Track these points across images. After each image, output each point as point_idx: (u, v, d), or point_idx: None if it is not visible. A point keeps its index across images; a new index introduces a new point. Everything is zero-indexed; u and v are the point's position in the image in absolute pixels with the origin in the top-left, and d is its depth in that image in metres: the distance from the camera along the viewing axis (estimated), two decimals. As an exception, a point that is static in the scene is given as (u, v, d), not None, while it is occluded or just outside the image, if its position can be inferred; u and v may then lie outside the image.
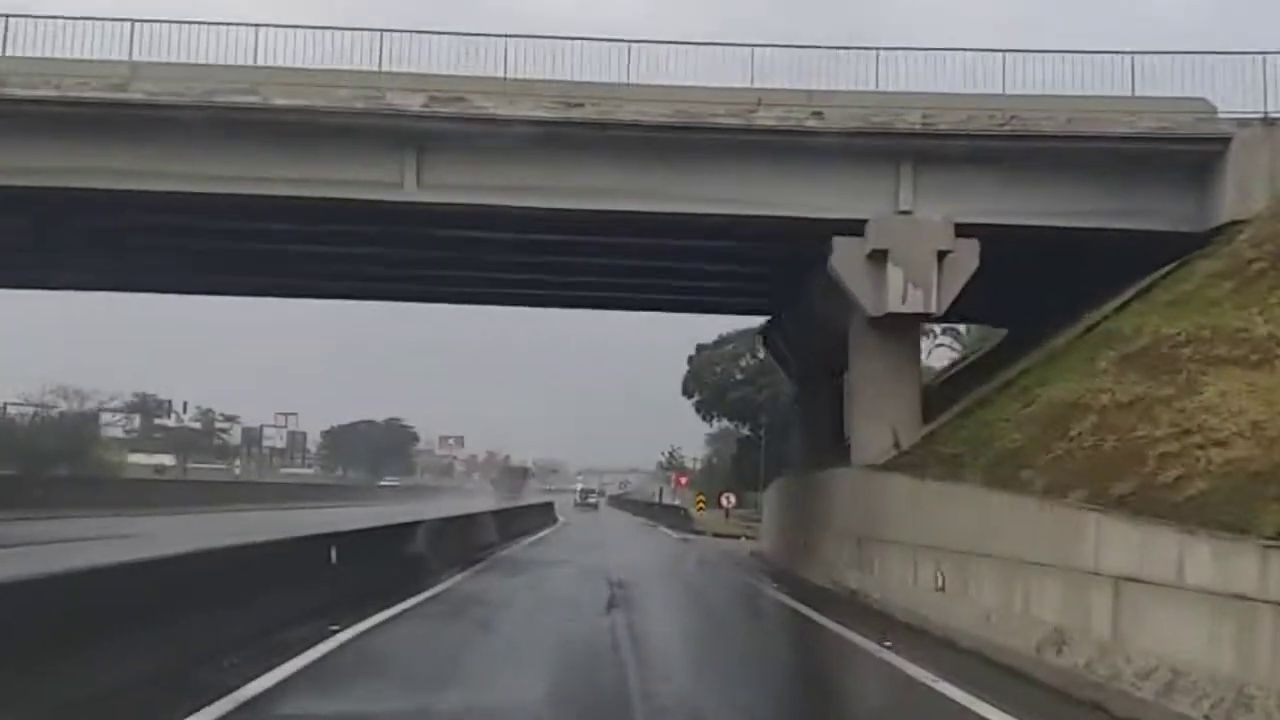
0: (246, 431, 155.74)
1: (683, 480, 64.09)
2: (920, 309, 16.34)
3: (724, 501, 40.08)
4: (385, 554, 14.53)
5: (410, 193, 16.34)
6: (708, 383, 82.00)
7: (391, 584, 13.46)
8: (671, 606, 15.85)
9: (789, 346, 25.90)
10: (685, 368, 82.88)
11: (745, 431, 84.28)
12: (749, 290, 24.27)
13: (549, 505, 43.21)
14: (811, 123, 16.05)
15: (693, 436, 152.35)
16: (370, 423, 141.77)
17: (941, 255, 16.15)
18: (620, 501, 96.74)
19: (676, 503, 59.20)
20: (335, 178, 16.18)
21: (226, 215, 17.84)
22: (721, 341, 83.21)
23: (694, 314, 28.36)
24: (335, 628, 10.01)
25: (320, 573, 11.47)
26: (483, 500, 62.72)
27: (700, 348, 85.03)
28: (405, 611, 12.10)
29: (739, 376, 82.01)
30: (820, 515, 18.45)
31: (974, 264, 16.11)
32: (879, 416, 16.89)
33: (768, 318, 27.39)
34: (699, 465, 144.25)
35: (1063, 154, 16.11)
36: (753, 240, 19.12)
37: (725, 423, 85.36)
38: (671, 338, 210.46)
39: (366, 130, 16.02)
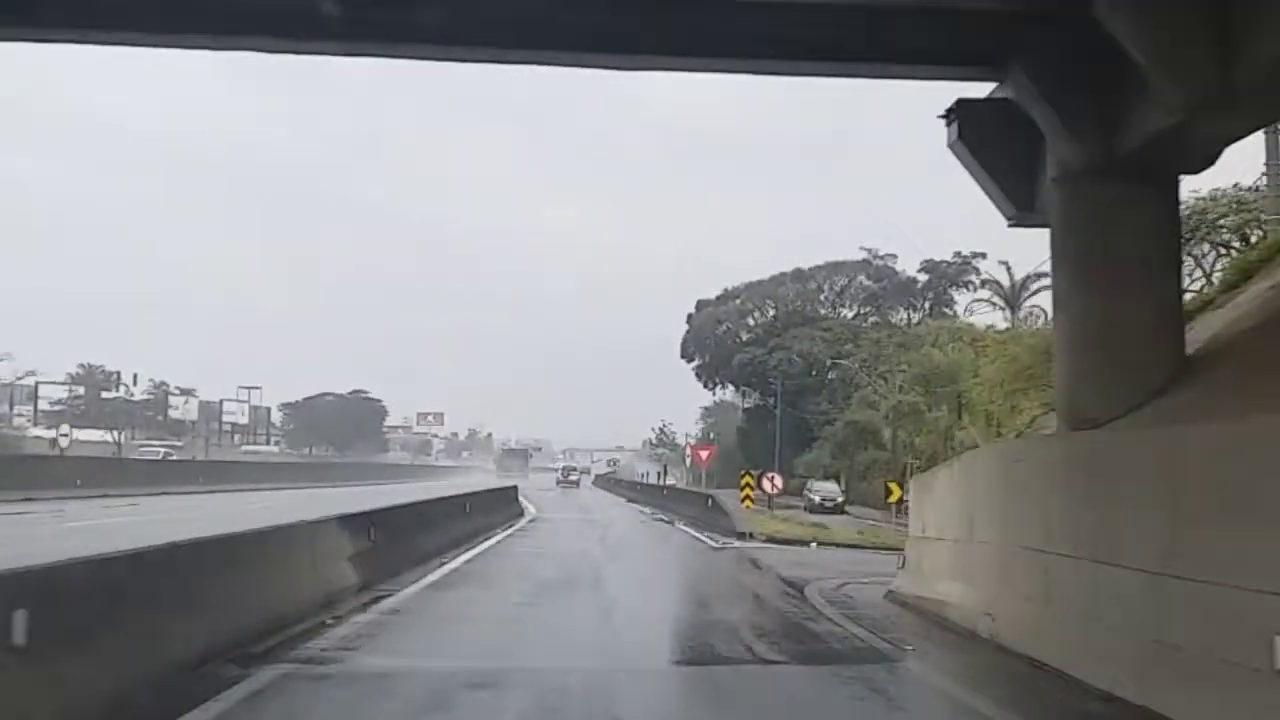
0: (204, 406, 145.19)
1: (704, 454, 52.33)
2: None
3: (768, 485, 27.85)
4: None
5: None
6: (710, 344, 72.11)
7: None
8: None
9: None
10: (685, 328, 72.99)
11: (751, 402, 74.09)
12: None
13: (509, 492, 30.60)
14: None
15: (685, 412, 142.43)
16: (332, 396, 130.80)
17: None
18: (609, 482, 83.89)
19: (698, 489, 43.79)
20: None
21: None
22: (726, 296, 73.02)
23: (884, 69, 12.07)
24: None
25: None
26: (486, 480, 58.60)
27: (701, 304, 74.89)
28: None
29: (745, 337, 72.05)
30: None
31: None
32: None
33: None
34: (691, 442, 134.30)
35: None
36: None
37: (729, 391, 75.44)
38: (666, 300, 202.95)
39: None
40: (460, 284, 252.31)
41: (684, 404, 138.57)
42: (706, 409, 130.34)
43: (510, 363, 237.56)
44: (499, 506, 24.75)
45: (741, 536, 20.92)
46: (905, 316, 66.61)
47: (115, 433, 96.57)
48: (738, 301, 69.41)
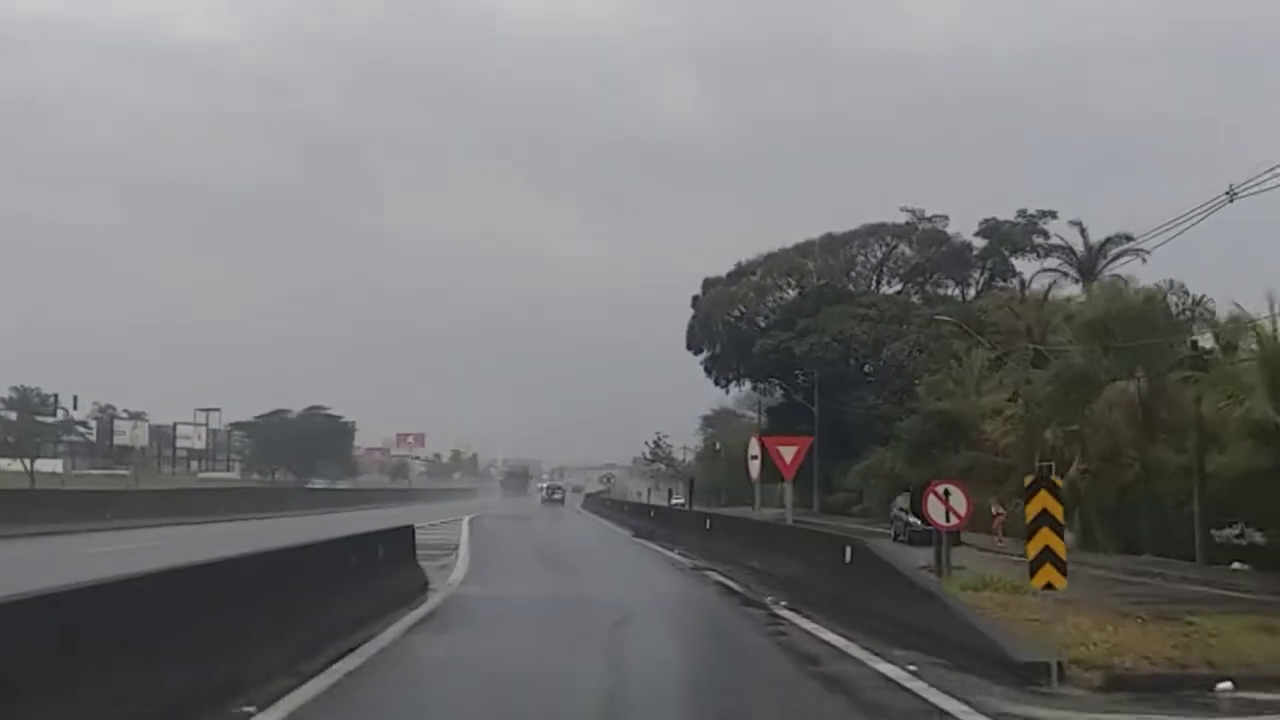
0: (156, 430, 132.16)
1: (789, 454, 23.19)
2: None
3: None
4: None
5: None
6: (722, 332, 59.63)
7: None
8: None
9: None
10: (690, 315, 60.62)
11: (774, 400, 61.42)
12: None
13: (403, 537, 14.17)
14: None
15: (683, 425, 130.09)
16: (289, 413, 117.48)
17: None
18: (602, 504, 65.26)
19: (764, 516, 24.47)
20: None
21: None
22: (741, 272, 60.51)
23: None
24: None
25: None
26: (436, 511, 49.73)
27: (710, 284, 62.17)
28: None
29: (764, 322, 59.57)
30: None
31: None
32: None
33: None
34: (690, 458, 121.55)
35: None
36: None
37: (745, 388, 62.61)
38: (662, 304, 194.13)
39: None
40: (443, 301, 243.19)
41: (681, 418, 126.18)
42: (707, 418, 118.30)
43: (495, 382, 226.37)
44: (376, 572, 11.55)
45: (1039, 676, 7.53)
46: (958, 293, 54.66)
47: (26, 461, 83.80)
48: (754, 277, 57.06)
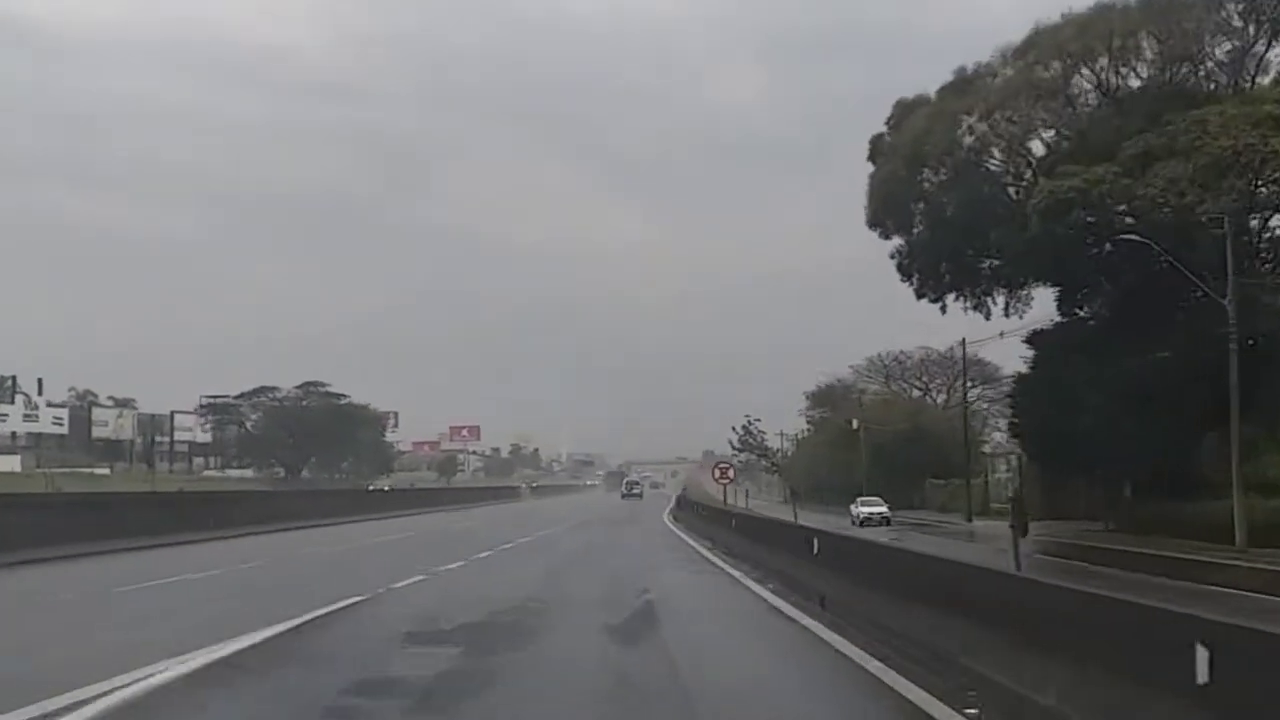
0: (148, 421, 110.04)
1: None
2: None
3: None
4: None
5: None
6: (934, 189, 33.57)
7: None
8: None
9: None
10: (868, 174, 35.01)
11: (1049, 318, 34.47)
12: None
13: None
14: None
15: (772, 413, 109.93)
16: (283, 392, 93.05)
17: None
18: (705, 519, 34.67)
19: None
20: None
21: None
22: (967, 82, 33.93)
23: None
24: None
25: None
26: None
27: (903, 109, 36.80)
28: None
29: (1024, 166, 32.35)
30: None
31: None
32: None
33: None
34: (788, 447, 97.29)
35: None
36: None
37: (992, 301, 35.10)
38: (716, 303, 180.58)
39: None
40: (499, 296, 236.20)
41: (739, 412, 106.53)
42: (813, 394, 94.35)
43: (553, 376, 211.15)
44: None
45: None
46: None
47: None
48: (994, 79, 30.80)
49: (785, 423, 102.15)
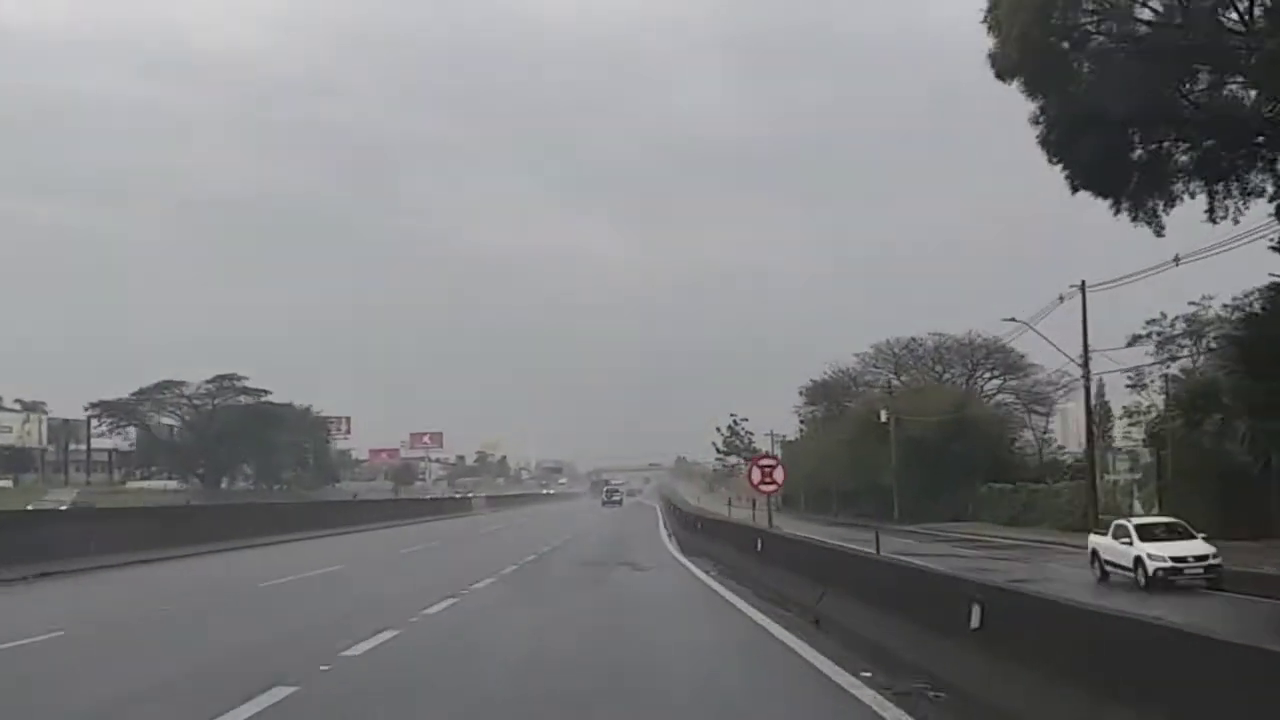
0: (59, 427, 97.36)
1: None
2: None
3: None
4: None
5: None
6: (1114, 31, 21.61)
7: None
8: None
9: None
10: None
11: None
12: None
13: None
14: None
15: (705, 435, 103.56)
16: (180, 388, 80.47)
17: None
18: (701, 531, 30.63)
19: None
20: None
21: None
22: None
23: None
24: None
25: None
26: None
27: None
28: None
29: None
30: None
31: None
32: None
33: None
34: (782, 442, 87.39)
35: None
36: None
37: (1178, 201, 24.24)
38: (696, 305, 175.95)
39: None
40: (466, 303, 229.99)
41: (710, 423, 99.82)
42: (809, 388, 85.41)
43: (517, 382, 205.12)
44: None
45: None
46: None
47: None
48: None
49: (770, 423, 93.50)
